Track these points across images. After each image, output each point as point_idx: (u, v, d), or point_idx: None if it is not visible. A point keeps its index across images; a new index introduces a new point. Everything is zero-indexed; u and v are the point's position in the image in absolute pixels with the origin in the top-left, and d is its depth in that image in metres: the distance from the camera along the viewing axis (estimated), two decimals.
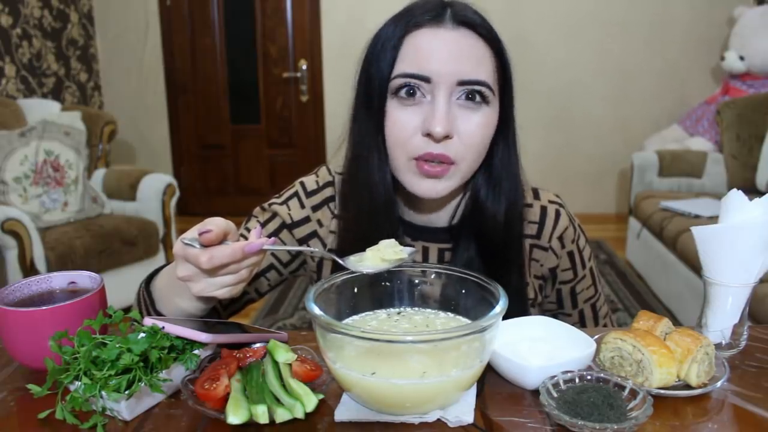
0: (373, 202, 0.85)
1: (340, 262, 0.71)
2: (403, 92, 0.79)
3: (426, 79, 0.78)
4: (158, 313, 0.81)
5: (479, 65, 0.78)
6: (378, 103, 0.81)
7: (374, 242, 0.73)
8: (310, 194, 0.95)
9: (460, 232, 0.89)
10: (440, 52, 0.77)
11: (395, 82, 0.79)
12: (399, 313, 0.77)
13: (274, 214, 0.94)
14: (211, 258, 0.66)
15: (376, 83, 0.81)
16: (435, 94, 0.78)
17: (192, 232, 0.68)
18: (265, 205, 0.95)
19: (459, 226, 0.89)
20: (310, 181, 0.96)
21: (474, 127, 0.79)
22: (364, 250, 0.73)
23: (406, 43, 0.79)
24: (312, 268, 0.97)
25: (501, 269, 0.86)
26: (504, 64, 0.82)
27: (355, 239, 0.86)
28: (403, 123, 0.80)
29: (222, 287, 0.70)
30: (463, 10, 0.80)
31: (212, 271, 0.68)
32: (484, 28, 0.79)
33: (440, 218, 0.91)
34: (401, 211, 0.91)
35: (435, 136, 0.77)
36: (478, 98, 0.79)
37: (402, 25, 0.80)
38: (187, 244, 0.67)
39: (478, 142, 0.80)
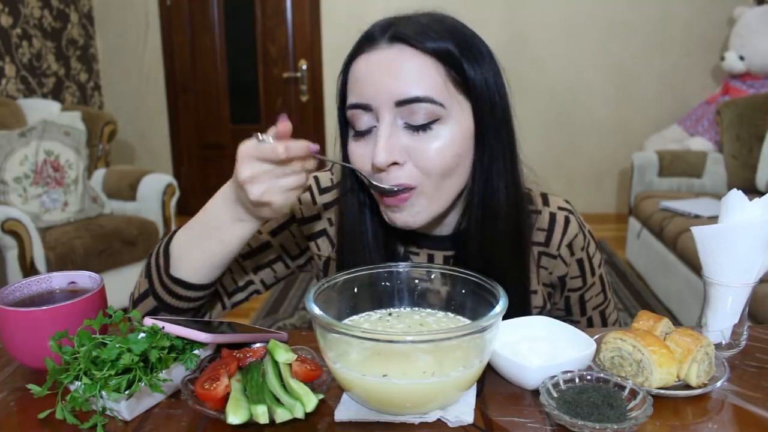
0: (352, 230, 0.86)
1: (358, 172, 0.75)
2: (355, 125, 0.78)
3: (367, 107, 0.75)
4: (170, 277, 0.81)
5: (418, 80, 0.73)
6: (342, 138, 0.82)
7: (365, 263, 0.77)
8: (323, 191, 0.94)
9: (463, 240, 0.87)
10: (375, 76, 0.74)
11: (347, 115, 0.79)
12: (390, 314, 0.77)
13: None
14: (288, 148, 0.66)
15: (339, 119, 0.82)
16: (379, 121, 0.75)
17: (267, 132, 0.69)
18: None
19: (462, 234, 0.87)
20: (324, 177, 0.95)
21: (429, 152, 0.74)
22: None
23: (350, 73, 0.78)
24: (319, 266, 0.96)
25: (503, 275, 0.84)
26: (462, 73, 0.75)
27: (347, 259, 0.87)
28: (357, 156, 0.78)
29: (284, 191, 0.69)
30: (403, 25, 0.75)
31: (285, 164, 0.68)
32: (420, 41, 0.73)
33: (444, 227, 0.89)
34: None
35: (377, 165, 0.73)
36: (425, 119, 0.73)
37: (349, 53, 0.79)
38: (261, 140, 0.67)
39: (437, 167, 0.75)
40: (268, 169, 0.68)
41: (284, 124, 0.68)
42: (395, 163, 0.75)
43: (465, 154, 0.78)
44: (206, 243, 0.78)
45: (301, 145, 0.68)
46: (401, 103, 0.73)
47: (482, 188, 0.81)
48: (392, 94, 0.73)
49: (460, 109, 0.76)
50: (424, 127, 0.74)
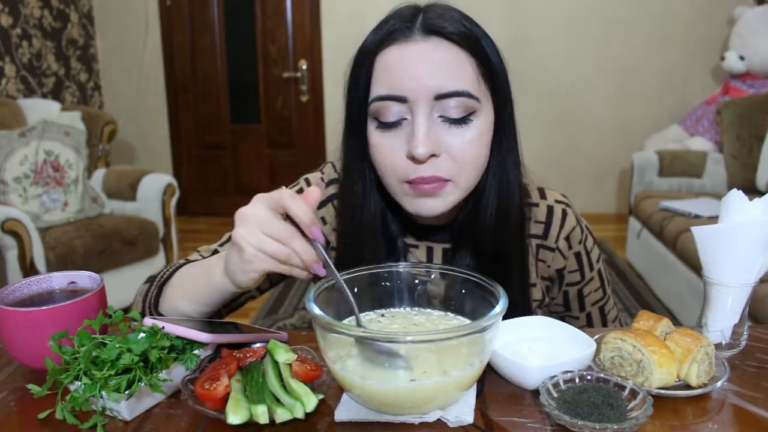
0: (360, 227, 0.85)
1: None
2: (382, 116, 0.77)
3: (402, 99, 0.74)
4: (158, 313, 0.81)
5: (455, 75, 0.74)
6: (359, 128, 0.80)
7: (364, 261, 0.75)
8: None
9: (461, 232, 0.88)
10: (412, 69, 0.73)
11: (372, 107, 0.77)
12: (383, 315, 0.77)
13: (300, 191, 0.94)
14: (293, 197, 0.62)
15: (356, 108, 0.80)
16: (414, 113, 0.74)
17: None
18: None
19: (459, 226, 0.88)
20: (315, 178, 0.95)
21: (464, 144, 0.76)
22: (357, 266, 0.74)
23: (377, 62, 0.77)
24: None
25: (502, 271, 0.84)
26: (490, 66, 0.77)
27: (348, 256, 0.87)
28: (386, 148, 0.77)
29: (259, 247, 0.63)
30: (434, 17, 0.75)
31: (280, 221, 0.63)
32: (456, 34, 0.74)
33: (445, 218, 0.89)
34: (406, 213, 0.90)
35: (417, 158, 0.74)
36: (461, 113, 0.75)
37: (374, 42, 0.77)
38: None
39: (472, 158, 0.77)
40: (263, 216, 0.64)
41: (313, 191, 0.64)
42: (433, 155, 0.75)
43: (489, 146, 0.80)
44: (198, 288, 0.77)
45: (307, 211, 0.62)
46: (440, 97, 0.74)
47: (498, 180, 0.82)
48: (431, 87, 0.73)
49: (487, 102, 0.78)
50: (459, 121, 0.76)
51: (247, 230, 0.64)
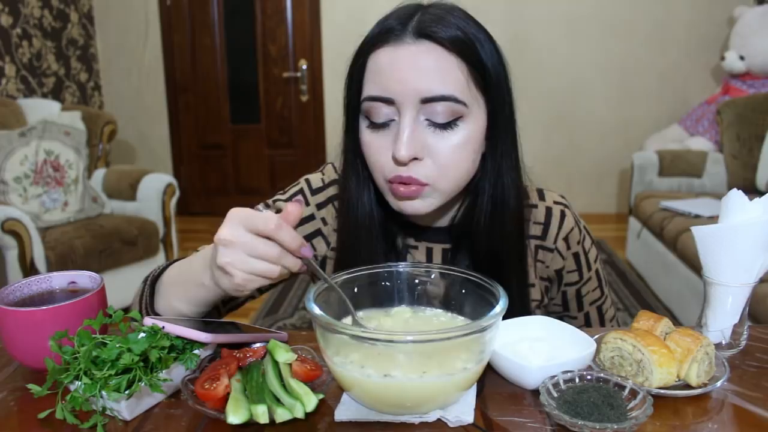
0: (355, 223, 0.86)
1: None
2: (372, 116, 0.78)
3: (390, 101, 0.75)
4: (155, 313, 0.81)
5: (443, 79, 0.74)
6: (352, 126, 0.82)
7: (361, 260, 0.76)
8: (315, 192, 0.94)
9: (460, 233, 0.88)
10: (400, 71, 0.74)
11: (364, 106, 0.78)
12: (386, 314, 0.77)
13: (278, 211, 0.93)
14: (279, 227, 0.63)
15: (350, 106, 0.81)
16: (401, 115, 0.75)
17: (272, 206, 0.67)
18: (269, 201, 0.94)
19: (458, 227, 0.89)
20: (315, 178, 0.96)
21: (448, 149, 0.76)
22: (356, 265, 0.75)
23: (370, 62, 0.77)
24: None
25: (501, 271, 0.85)
26: (484, 72, 0.76)
27: (346, 255, 0.88)
28: (375, 147, 0.78)
29: (249, 272, 0.65)
30: (428, 19, 0.75)
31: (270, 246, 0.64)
32: (447, 39, 0.73)
33: (443, 219, 0.90)
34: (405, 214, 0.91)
35: (399, 160, 0.74)
36: (447, 117, 0.75)
37: (369, 41, 0.77)
38: (260, 210, 0.66)
39: (455, 163, 0.77)
40: (247, 240, 0.64)
41: (293, 209, 0.66)
42: (415, 158, 0.76)
43: (479, 151, 0.80)
44: (185, 291, 0.77)
45: (294, 236, 0.65)
46: (426, 101, 0.74)
47: (493, 184, 0.82)
48: (418, 90, 0.74)
49: (478, 107, 0.78)
50: (445, 126, 0.76)
51: (234, 257, 0.64)
